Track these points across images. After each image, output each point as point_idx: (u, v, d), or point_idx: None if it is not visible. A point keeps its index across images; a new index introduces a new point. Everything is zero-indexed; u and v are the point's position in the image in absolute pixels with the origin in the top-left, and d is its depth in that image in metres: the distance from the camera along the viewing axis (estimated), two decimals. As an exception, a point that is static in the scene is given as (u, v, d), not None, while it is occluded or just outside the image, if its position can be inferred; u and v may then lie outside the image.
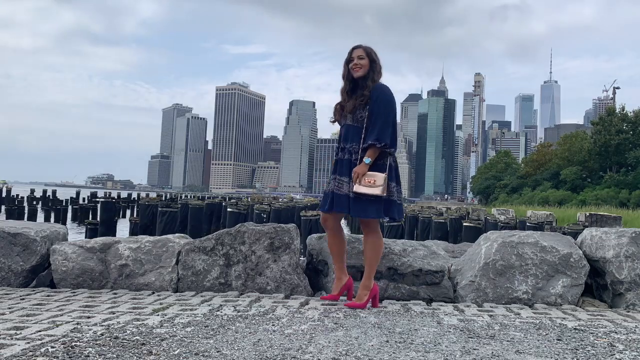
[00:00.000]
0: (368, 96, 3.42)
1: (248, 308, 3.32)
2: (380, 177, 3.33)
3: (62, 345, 2.36)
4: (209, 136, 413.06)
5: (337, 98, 3.68)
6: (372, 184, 3.31)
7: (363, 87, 3.46)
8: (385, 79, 3.57)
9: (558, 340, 2.71)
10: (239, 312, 3.20)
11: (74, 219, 32.30)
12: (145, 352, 2.32)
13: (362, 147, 3.39)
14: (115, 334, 2.58)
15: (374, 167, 3.38)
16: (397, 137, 3.47)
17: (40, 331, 2.60)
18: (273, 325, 2.87)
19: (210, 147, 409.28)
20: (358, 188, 3.32)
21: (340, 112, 3.57)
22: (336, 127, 3.73)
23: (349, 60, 3.53)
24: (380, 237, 3.57)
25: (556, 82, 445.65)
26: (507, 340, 2.66)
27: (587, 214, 23.23)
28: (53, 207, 37.18)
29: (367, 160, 3.34)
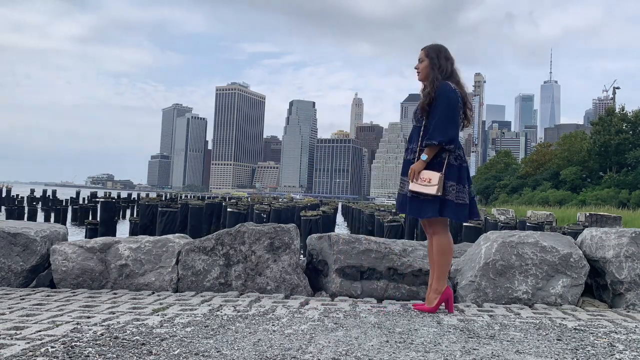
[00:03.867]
0: (431, 96, 3.36)
1: (248, 308, 3.32)
2: (435, 176, 3.25)
3: (62, 345, 2.36)
4: (209, 136, 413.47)
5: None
6: (428, 183, 3.25)
7: (427, 88, 3.41)
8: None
9: (558, 340, 2.71)
10: (239, 312, 3.20)
11: (74, 219, 32.31)
12: (145, 352, 2.32)
13: (421, 146, 3.35)
14: (115, 334, 2.58)
15: (432, 165, 3.31)
16: (457, 135, 3.35)
17: (40, 331, 2.60)
18: (273, 325, 2.87)
19: (210, 147, 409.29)
20: (414, 186, 3.28)
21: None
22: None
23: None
24: (445, 236, 3.40)
25: (556, 82, 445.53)
26: (507, 340, 2.66)
27: (587, 214, 23.23)
28: (53, 207, 37.19)
29: (423, 157, 3.30)
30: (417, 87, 3.55)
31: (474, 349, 2.48)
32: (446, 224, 3.44)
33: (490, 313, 3.38)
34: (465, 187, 3.37)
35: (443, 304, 3.40)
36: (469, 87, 3.92)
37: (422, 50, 3.51)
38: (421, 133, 3.37)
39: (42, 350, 2.29)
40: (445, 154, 3.32)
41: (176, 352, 2.32)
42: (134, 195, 59.18)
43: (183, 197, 45.22)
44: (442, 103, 3.32)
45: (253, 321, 2.95)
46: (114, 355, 2.26)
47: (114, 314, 3.07)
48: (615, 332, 2.91)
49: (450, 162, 3.32)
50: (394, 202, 3.70)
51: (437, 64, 3.43)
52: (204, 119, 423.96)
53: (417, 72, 3.48)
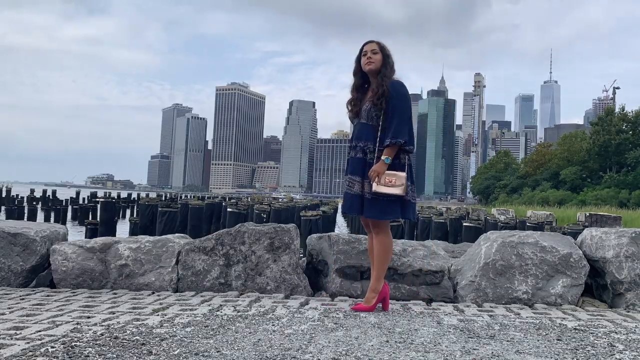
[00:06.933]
0: (384, 93, 3.32)
1: (248, 308, 3.32)
2: (401, 177, 3.24)
3: (62, 345, 2.36)
4: (209, 136, 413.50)
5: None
6: (392, 184, 3.22)
7: (379, 85, 3.35)
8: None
9: (558, 340, 2.70)
10: (239, 312, 3.20)
11: (74, 219, 32.29)
12: (145, 352, 2.32)
13: (381, 146, 3.30)
14: (115, 334, 2.58)
15: (392, 166, 3.28)
16: (414, 135, 3.37)
17: (40, 331, 2.60)
18: (273, 325, 2.87)
19: (210, 147, 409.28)
20: (378, 188, 3.21)
21: (354, 109, 3.46)
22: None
23: (360, 57, 3.45)
24: (389, 236, 3.44)
25: (556, 82, 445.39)
26: (507, 340, 2.66)
27: (587, 214, 23.26)
28: (53, 207, 37.18)
29: (387, 159, 3.25)
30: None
31: (474, 349, 2.48)
32: (389, 223, 3.45)
33: (490, 313, 3.38)
34: (414, 185, 3.44)
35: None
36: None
37: (373, 42, 3.45)
38: (379, 133, 3.33)
39: (42, 350, 2.29)
40: (404, 155, 3.33)
41: (176, 352, 2.32)
42: (134, 195, 59.19)
43: (183, 197, 45.28)
44: (402, 103, 3.32)
45: (253, 321, 2.95)
46: (114, 355, 2.26)
47: (114, 314, 3.07)
48: (615, 332, 2.90)
49: (408, 162, 3.36)
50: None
51: (389, 62, 3.42)
52: (203, 119, 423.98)
53: (370, 62, 3.39)
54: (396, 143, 3.25)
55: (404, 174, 3.27)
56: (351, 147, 3.45)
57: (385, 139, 3.27)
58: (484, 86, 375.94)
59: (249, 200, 43.72)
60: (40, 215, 33.03)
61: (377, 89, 3.36)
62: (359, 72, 3.49)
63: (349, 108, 3.51)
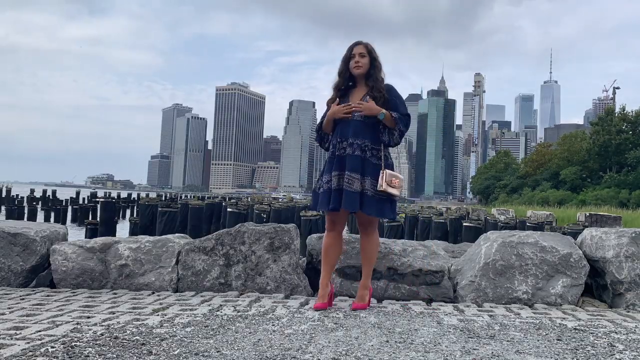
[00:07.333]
0: (385, 98, 3.40)
1: (248, 308, 3.32)
2: (401, 179, 3.36)
3: (62, 345, 2.37)
4: (209, 136, 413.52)
5: None
6: (394, 184, 3.31)
7: (377, 90, 3.41)
8: (388, 80, 3.55)
9: (558, 340, 2.71)
10: (239, 312, 3.20)
11: (74, 219, 32.29)
12: (145, 352, 2.32)
13: (395, 115, 3.38)
14: (115, 334, 2.59)
15: (390, 166, 3.41)
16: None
17: (40, 331, 2.60)
18: (273, 325, 2.87)
19: (210, 147, 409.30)
20: (388, 188, 3.27)
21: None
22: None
23: (348, 57, 3.47)
24: (378, 233, 3.60)
25: (556, 82, 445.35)
26: (507, 340, 2.66)
27: (587, 214, 23.28)
28: (53, 207, 37.17)
29: (381, 115, 3.33)
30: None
31: (474, 349, 2.48)
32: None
33: (490, 313, 3.38)
34: None
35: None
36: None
37: (361, 45, 3.48)
38: (377, 133, 3.39)
39: (42, 350, 2.29)
40: (389, 154, 3.45)
41: (176, 352, 2.32)
42: (134, 195, 59.16)
43: (183, 197, 45.27)
44: (402, 100, 3.47)
45: (253, 321, 2.95)
46: (114, 355, 2.26)
47: (114, 314, 3.07)
48: (615, 332, 2.91)
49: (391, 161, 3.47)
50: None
51: (377, 65, 3.48)
52: (203, 119, 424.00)
53: (358, 66, 3.44)
54: (399, 121, 3.36)
55: (402, 177, 3.39)
56: (347, 144, 3.37)
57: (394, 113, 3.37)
58: (484, 91, 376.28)
59: (249, 200, 43.70)
60: (40, 215, 33.03)
61: (377, 94, 3.41)
62: (344, 72, 3.52)
63: (336, 104, 3.50)
